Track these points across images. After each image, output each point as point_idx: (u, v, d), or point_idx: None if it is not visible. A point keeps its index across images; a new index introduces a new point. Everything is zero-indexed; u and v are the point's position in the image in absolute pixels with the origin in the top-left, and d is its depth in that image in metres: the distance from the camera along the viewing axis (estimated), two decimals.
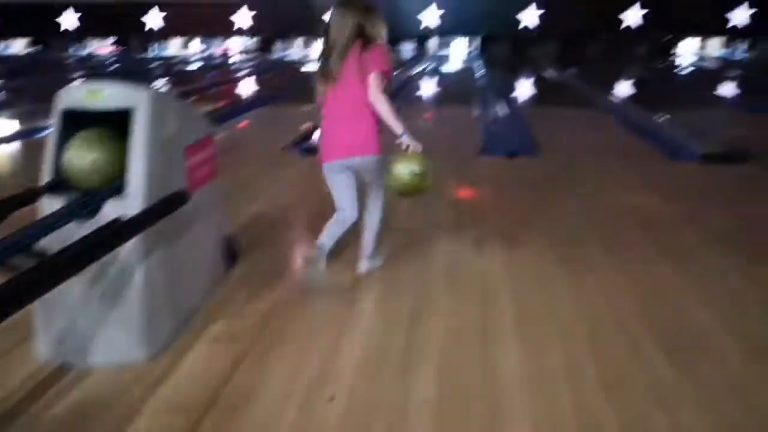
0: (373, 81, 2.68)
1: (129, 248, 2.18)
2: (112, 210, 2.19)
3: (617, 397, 2.08)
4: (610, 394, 2.11)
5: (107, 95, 2.30)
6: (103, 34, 21.30)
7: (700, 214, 3.99)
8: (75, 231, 2.07)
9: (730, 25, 18.37)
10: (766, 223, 3.80)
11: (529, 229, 3.71)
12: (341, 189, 2.89)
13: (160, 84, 12.64)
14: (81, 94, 2.38)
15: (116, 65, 16.94)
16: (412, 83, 12.52)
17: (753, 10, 18.00)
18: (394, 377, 2.23)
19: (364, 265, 3.08)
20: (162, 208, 2.26)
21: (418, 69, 15.26)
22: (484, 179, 4.83)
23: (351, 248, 3.37)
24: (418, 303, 2.80)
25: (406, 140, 2.72)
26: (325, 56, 2.80)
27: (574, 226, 3.75)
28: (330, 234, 2.95)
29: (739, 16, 18.19)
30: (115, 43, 21.33)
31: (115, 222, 2.14)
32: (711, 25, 18.77)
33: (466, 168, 5.21)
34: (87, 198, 2.22)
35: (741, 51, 19.08)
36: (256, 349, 2.40)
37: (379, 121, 2.77)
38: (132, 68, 16.06)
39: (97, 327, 2.26)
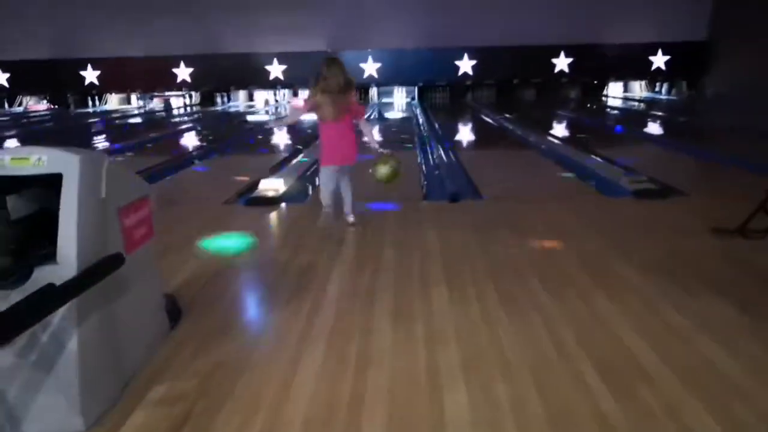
0: (365, 117, 4.65)
1: (62, 313, 2.12)
2: (43, 276, 2.13)
3: (563, 429, 2.13)
4: (555, 426, 2.16)
5: (35, 161, 2.26)
6: (38, 92, 20.91)
7: (633, 247, 4.16)
8: (5, 298, 1.99)
9: (652, 68, 19.67)
10: (694, 256, 3.99)
11: (473, 269, 3.78)
12: (329, 177, 4.61)
13: (99, 140, 12.41)
14: (5, 160, 2.31)
15: (51, 123, 16.54)
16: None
17: (667, 57, 19.39)
18: (344, 427, 2.20)
19: (351, 217, 4.83)
20: (96, 271, 2.21)
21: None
22: (428, 222, 4.91)
23: (297, 299, 3.36)
24: (365, 346, 2.80)
25: (381, 150, 4.65)
26: (323, 93, 4.42)
27: (515, 265, 3.85)
28: (325, 200, 4.69)
29: (658, 62, 19.51)
30: (50, 100, 20.93)
31: (48, 288, 2.07)
32: (633, 69, 20.04)
33: (410, 212, 5.29)
34: (16, 265, 2.15)
35: (664, 93, 20.35)
36: (199, 412, 2.34)
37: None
38: (69, 125, 15.71)
39: (31, 395, 2.17)
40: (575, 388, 2.41)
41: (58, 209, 2.21)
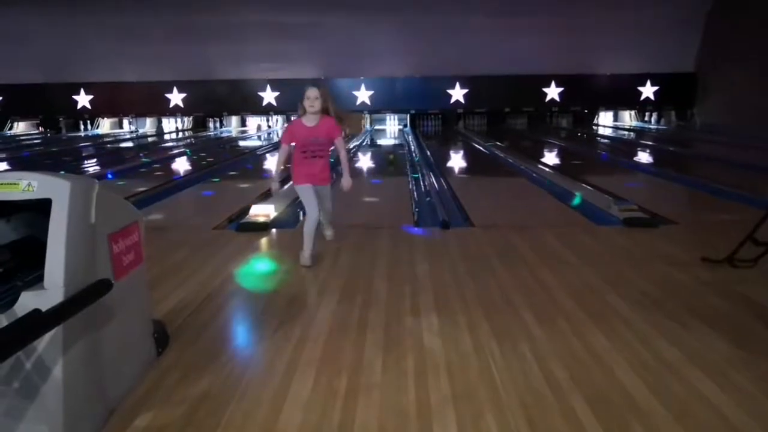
0: (340, 139, 4.59)
1: (48, 339, 2.09)
2: (30, 301, 2.10)
3: None
4: None
5: (25, 186, 2.24)
6: (30, 115, 20.92)
7: (624, 278, 4.16)
8: None
9: (641, 98, 20.01)
10: (685, 286, 3.99)
11: (464, 299, 3.77)
12: (309, 197, 4.50)
13: (91, 164, 12.39)
14: None
15: (42, 147, 16.51)
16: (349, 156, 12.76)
17: (656, 87, 19.75)
18: None
19: (329, 233, 5.07)
20: (83, 298, 2.18)
21: (356, 143, 15.65)
22: (420, 250, 4.90)
23: (285, 328, 3.33)
24: (354, 378, 2.76)
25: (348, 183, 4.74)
26: (301, 115, 4.46)
27: (507, 295, 3.83)
28: (307, 241, 4.47)
29: (646, 92, 19.85)
30: (42, 124, 20.93)
31: (34, 314, 2.04)
32: (622, 99, 20.37)
33: (401, 239, 5.29)
34: (2, 290, 2.12)
35: (653, 123, 20.66)
36: None
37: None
38: (61, 149, 15.68)
39: (14, 423, 2.12)
40: (566, 422, 2.38)
41: (47, 235, 2.19)
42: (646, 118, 21.20)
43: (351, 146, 14.82)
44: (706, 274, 4.21)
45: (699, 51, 19.00)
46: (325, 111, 4.45)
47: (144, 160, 12.93)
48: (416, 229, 5.84)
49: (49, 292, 2.13)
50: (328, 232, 5.06)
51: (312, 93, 4.36)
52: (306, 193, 4.49)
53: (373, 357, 2.98)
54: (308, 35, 18.66)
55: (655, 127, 20.18)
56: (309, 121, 4.42)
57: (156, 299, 3.66)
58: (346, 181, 4.69)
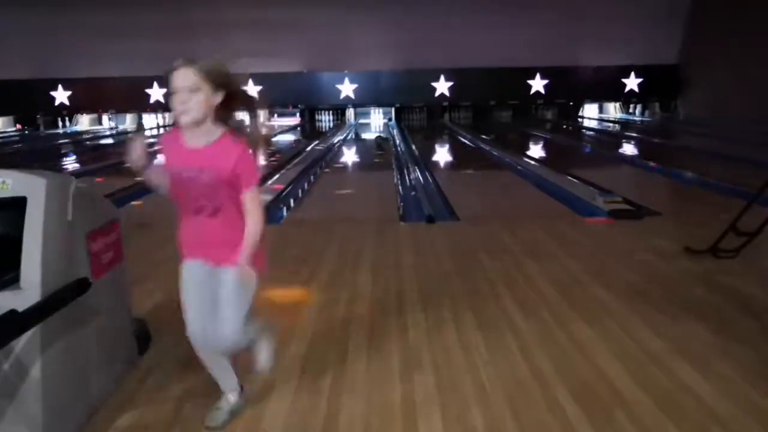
0: (253, 190, 2.20)
1: (25, 340, 2.05)
2: (6, 302, 2.05)
3: None
4: None
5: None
6: (7, 112, 20.56)
7: (609, 269, 4.18)
8: None
9: (626, 90, 20.15)
10: (669, 277, 4.02)
11: (449, 293, 3.76)
12: (192, 293, 2.32)
13: (70, 161, 12.23)
14: None
15: (20, 144, 16.27)
16: (333, 150, 12.75)
17: (640, 79, 19.88)
18: None
19: (261, 362, 2.50)
20: (61, 297, 2.14)
21: (340, 137, 15.60)
22: (405, 245, 4.89)
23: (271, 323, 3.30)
24: (338, 374, 2.74)
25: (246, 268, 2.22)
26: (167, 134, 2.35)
27: (492, 288, 3.83)
28: (214, 370, 2.41)
29: (631, 84, 19.99)
30: (19, 121, 20.60)
31: (10, 314, 2.00)
32: (607, 91, 20.49)
33: (386, 234, 5.27)
34: None
35: (638, 114, 20.80)
36: None
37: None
38: (39, 147, 15.46)
39: None
40: (551, 414, 2.38)
41: (22, 233, 2.14)
42: (631, 110, 21.32)
43: (335, 141, 14.73)
44: (689, 265, 4.24)
45: (682, 43, 19.13)
46: (223, 117, 2.17)
47: (124, 157, 12.76)
48: (402, 223, 5.83)
49: (25, 292, 2.08)
50: (259, 361, 2.52)
51: (182, 80, 2.05)
52: (188, 281, 2.30)
53: (358, 353, 2.97)
54: (291, 29, 18.52)
55: (640, 119, 20.31)
56: (192, 137, 2.16)
57: (139, 297, 3.61)
58: (241, 271, 2.21)
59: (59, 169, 10.78)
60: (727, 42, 16.45)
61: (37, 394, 2.12)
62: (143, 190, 8.05)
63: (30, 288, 2.09)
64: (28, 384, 2.11)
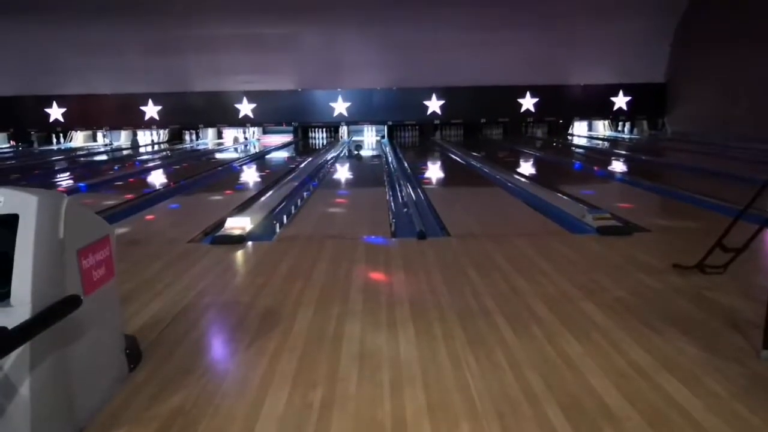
0: None
1: (14, 357, 2.04)
2: None
3: None
4: None
5: None
6: (1, 128, 20.53)
7: (598, 285, 4.21)
8: None
9: (614, 108, 20.40)
10: (658, 293, 4.05)
11: (440, 309, 3.77)
12: None
13: (64, 177, 12.20)
14: None
15: (13, 161, 16.23)
16: (326, 167, 12.81)
17: (628, 98, 20.15)
18: None
19: None
20: (51, 314, 2.14)
21: (333, 154, 15.67)
22: (396, 261, 4.90)
23: (260, 342, 3.29)
24: (329, 390, 2.74)
25: None
26: None
27: (482, 304, 3.85)
28: None
29: (619, 102, 20.24)
30: (13, 137, 20.57)
31: (0, 331, 2.00)
32: (596, 109, 20.73)
33: (378, 250, 5.28)
34: None
35: (626, 132, 21.05)
36: None
37: None
38: (33, 163, 15.42)
39: None
40: (541, 430, 2.39)
41: (14, 250, 2.15)
42: (620, 128, 21.56)
43: (328, 158, 14.81)
44: (677, 281, 4.27)
45: (669, 62, 19.43)
46: None
47: (119, 173, 12.76)
48: (393, 239, 5.85)
49: (15, 309, 2.08)
50: None
51: None
52: None
53: (348, 369, 2.97)
54: (285, 47, 18.67)
55: (628, 136, 20.53)
56: None
57: (129, 314, 3.61)
58: None
59: (54, 186, 10.76)
60: (710, 61, 16.73)
61: (25, 412, 2.10)
62: (134, 206, 8.06)
63: (20, 305, 2.10)
64: (15, 402, 2.10)
